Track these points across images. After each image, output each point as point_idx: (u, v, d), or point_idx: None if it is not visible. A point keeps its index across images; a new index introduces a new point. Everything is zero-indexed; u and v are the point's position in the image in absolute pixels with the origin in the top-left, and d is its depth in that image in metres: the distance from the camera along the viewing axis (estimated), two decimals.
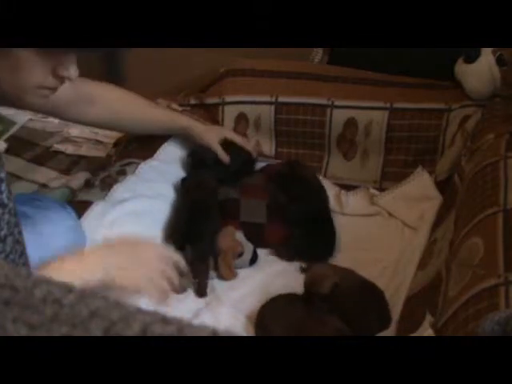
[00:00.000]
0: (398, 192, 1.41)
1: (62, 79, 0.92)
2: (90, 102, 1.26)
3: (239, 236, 1.25)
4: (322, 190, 1.40)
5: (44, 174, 1.52)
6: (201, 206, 1.27)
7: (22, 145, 1.62)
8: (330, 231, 1.32)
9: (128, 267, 0.85)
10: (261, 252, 1.27)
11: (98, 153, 1.63)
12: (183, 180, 1.37)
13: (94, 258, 0.83)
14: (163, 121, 1.39)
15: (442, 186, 1.37)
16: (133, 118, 1.36)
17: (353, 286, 1.10)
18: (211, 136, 1.40)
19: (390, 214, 1.37)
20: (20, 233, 0.83)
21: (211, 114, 1.52)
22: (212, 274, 1.21)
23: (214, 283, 1.20)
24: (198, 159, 1.42)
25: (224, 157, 1.38)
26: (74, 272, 0.78)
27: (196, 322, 0.36)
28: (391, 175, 1.47)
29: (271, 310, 1.09)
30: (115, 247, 0.88)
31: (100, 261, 0.83)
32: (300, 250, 1.28)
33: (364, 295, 1.11)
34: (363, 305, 1.09)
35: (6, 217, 0.79)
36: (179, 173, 1.41)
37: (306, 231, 1.30)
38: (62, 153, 1.64)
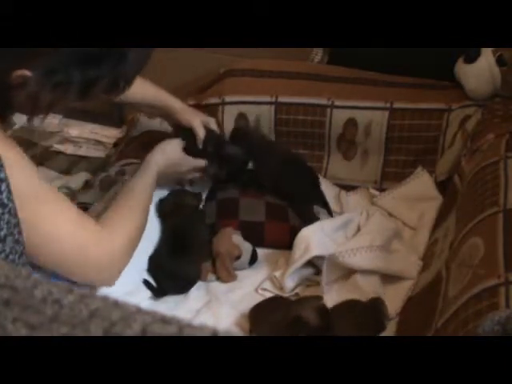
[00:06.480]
0: (398, 192, 1.41)
1: None
2: None
3: (236, 238, 1.24)
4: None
5: (44, 174, 1.52)
6: (181, 232, 1.22)
7: (21, 145, 1.61)
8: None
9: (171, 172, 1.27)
10: (260, 251, 1.27)
11: (98, 153, 1.64)
12: (160, 202, 1.28)
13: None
14: (146, 95, 1.38)
15: (442, 186, 1.37)
16: None
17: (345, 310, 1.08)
18: (193, 116, 1.38)
19: (390, 214, 1.37)
20: (20, 233, 0.83)
21: (211, 114, 1.52)
22: (211, 276, 1.21)
23: (214, 284, 1.20)
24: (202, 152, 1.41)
25: (201, 136, 1.35)
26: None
27: (196, 321, 0.36)
28: (391, 175, 1.47)
29: (256, 315, 1.08)
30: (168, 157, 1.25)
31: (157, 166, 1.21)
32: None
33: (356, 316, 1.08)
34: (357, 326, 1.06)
35: (6, 217, 0.79)
36: None
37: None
38: (61, 153, 1.64)
